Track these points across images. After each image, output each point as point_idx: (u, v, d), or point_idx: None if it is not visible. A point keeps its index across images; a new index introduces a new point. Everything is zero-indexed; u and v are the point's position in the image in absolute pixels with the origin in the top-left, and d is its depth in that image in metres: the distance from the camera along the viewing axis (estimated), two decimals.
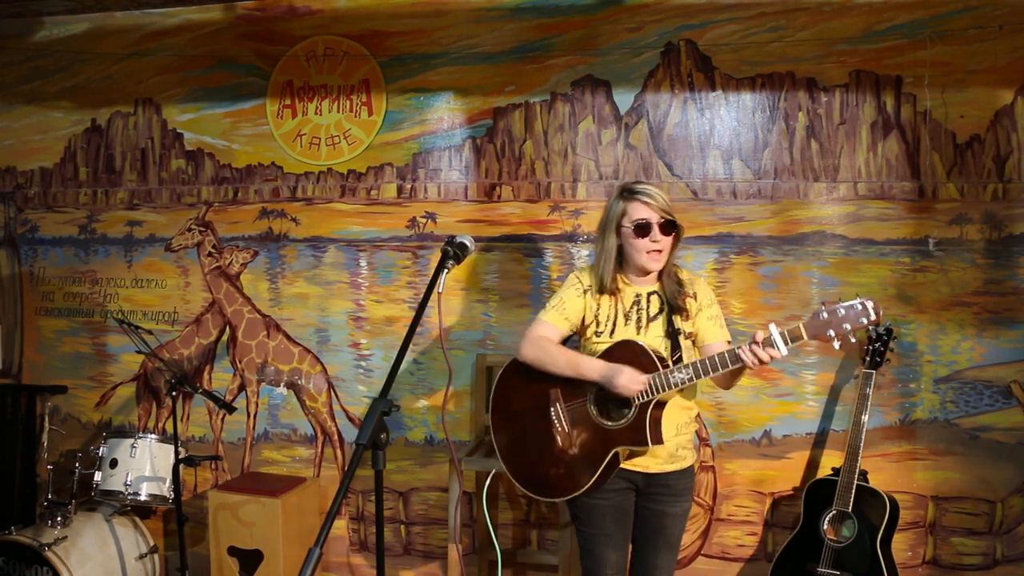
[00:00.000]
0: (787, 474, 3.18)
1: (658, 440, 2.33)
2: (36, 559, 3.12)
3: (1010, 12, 2.94)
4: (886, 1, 3.03)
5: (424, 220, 3.49)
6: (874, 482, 2.91)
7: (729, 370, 2.26)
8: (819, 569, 2.85)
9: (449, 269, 2.20)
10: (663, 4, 3.21)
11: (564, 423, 2.46)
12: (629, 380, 2.29)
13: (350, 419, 3.61)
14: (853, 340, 2.16)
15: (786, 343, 2.15)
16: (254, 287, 3.70)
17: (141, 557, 3.42)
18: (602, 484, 2.41)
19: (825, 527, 2.88)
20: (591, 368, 2.37)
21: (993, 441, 3.02)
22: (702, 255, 3.22)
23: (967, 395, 3.04)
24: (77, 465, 3.34)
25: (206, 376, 3.76)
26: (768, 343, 2.17)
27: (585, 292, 2.47)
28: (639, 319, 2.43)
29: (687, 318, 2.43)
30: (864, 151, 3.09)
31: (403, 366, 2.08)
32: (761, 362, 2.19)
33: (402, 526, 3.56)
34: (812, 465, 3.16)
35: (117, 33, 3.77)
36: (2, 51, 3.92)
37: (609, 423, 2.39)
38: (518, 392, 2.54)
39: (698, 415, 3.19)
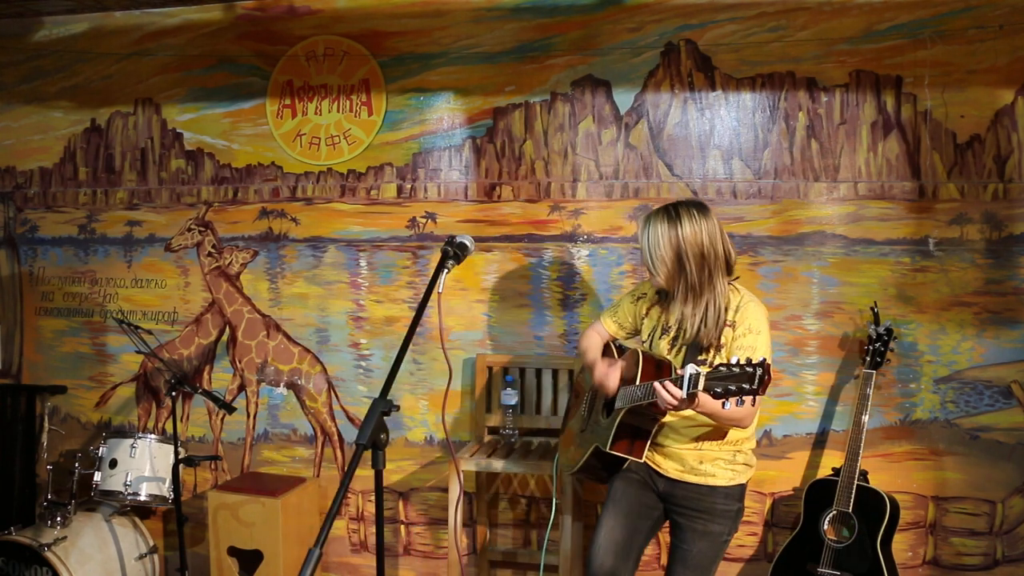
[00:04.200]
0: (787, 474, 3.18)
1: (627, 451, 2.35)
2: (36, 559, 3.11)
3: (1010, 12, 2.94)
4: (886, 1, 3.03)
5: (424, 220, 3.49)
6: (874, 482, 2.91)
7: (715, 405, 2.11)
8: (819, 569, 2.84)
9: (449, 269, 2.20)
10: (663, 4, 3.21)
11: (584, 408, 2.68)
12: (601, 376, 2.47)
13: (350, 419, 3.61)
14: (740, 405, 1.97)
15: (689, 387, 2.03)
16: (254, 287, 3.69)
17: (141, 557, 3.42)
18: (590, 475, 2.60)
19: (825, 527, 2.88)
20: (592, 369, 2.55)
21: (993, 441, 3.02)
22: None
23: (967, 395, 3.03)
24: (77, 465, 3.34)
25: (206, 376, 3.76)
26: (677, 382, 2.08)
27: (638, 299, 2.58)
28: (676, 337, 2.41)
29: (718, 348, 2.32)
30: (864, 151, 3.09)
31: (403, 366, 2.07)
32: (670, 399, 2.08)
33: (402, 526, 3.56)
34: (812, 465, 3.16)
35: (117, 33, 3.77)
36: (2, 51, 3.92)
37: (601, 420, 2.49)
38: (582, 384, 2.80)
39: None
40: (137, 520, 3.53)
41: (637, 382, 2.29)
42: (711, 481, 2.40)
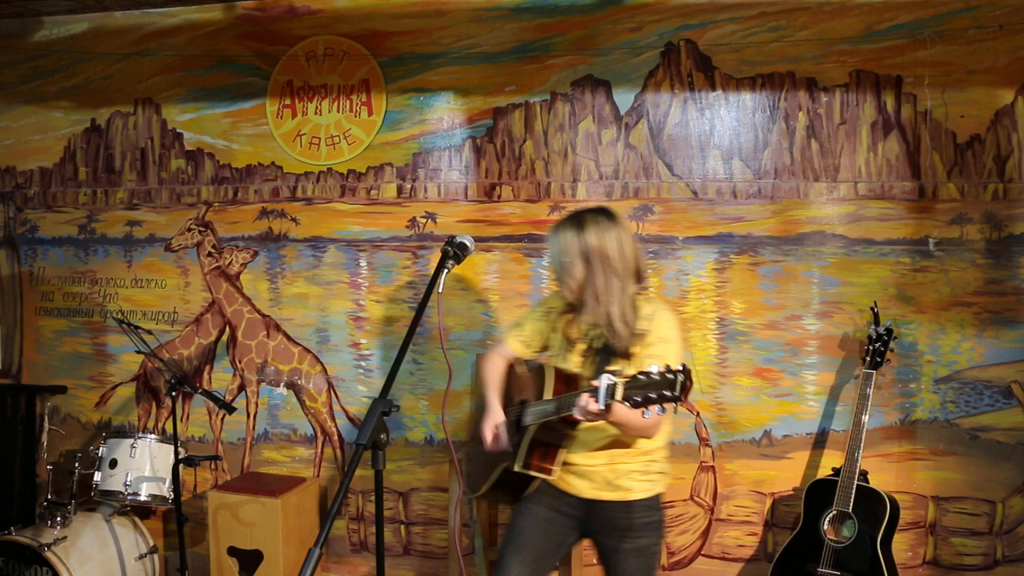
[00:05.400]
0: (787, 474, 3.18)
1: (537, 470, 2.25)
2: (36, 559, 3.12)
3: (1010, 12, 2.94)
4: (886, 1, 3.03)
5: (424, 220, 3.49)
6: (874, 482, 2.91)
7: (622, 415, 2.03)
8: (819, 569, 2.84)
9: (449, 269, 2.20)
10: (663, 4, 3.21)
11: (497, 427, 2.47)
12: (486, 429, 2.38)
13: (350, 419, 3.61)
14: (659, 411, 1.89)
15: (606, 397, 1.97)
16: (254, 287, 3.69)
17: (141, 557, 3.42)
18: (500, 496, 2.43)
19: (825, 527, 2.88)
20: (488, 402, 2.46)
21: (993, 441, 3.02)
22: (702, 255, 3.22)
23: (967, 395, 3.04)
24: (77, 465, 3.34)
25: (206, 376, 3.76)
26: (593, 393, 2.01)
27: (547, 313, 2.46)
28: (587, 348, 2.34)
29: (629, 358, 2.25)
30: (864, 151, 3.09)
31: (403, 366, 2.07)
32: (586, 411, 2.02)
33: (402, 526, 3.56)
34: (812, 465, 3.16)
35: (117, 33, 3.77)
36: (2, 51, 3.92)
37: (513, 438, 2.35)
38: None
39: (698, 414, 3.19)
40: (137, 520, 3.53)
41: (547, 397, 2.22)
42: (628, 496, 2.32)
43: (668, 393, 1.87)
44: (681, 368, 1.88)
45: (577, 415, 2.04)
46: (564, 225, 2.32)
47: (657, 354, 2.21)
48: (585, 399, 2.01)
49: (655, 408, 1.89)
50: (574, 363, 2.34)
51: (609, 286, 2.25)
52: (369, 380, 3.59)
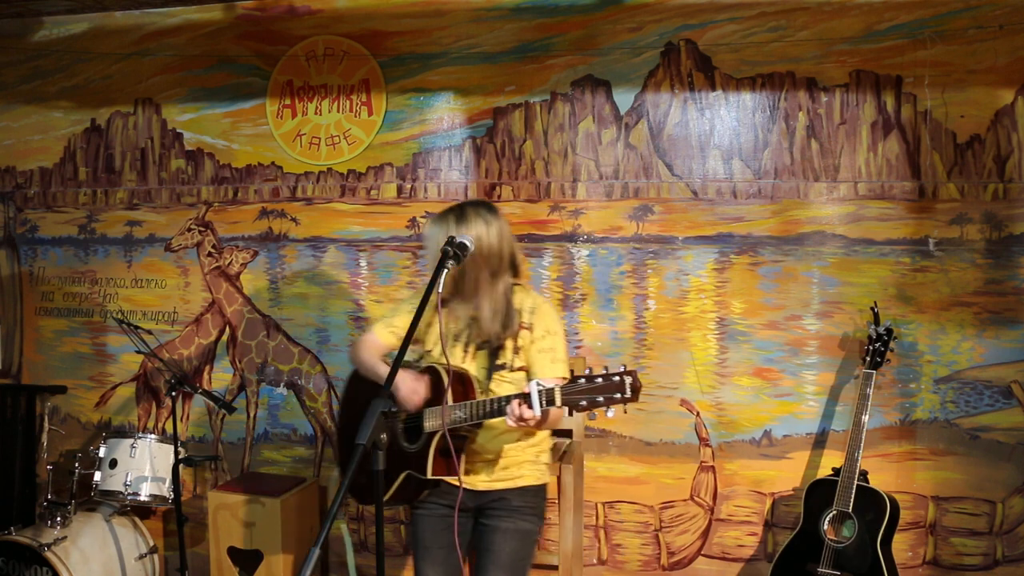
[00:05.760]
0: (787, 474, 3.18)
1: (447, 472, 2.22)
2: (36, 559, 3.12)
3: (1010, 12, 2.94)
4: (886, 1, 3.03)
5: (424, 220, 3.49)
6: (874, 482, 2.90)
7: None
8: (819, 569, 2.84)
9: (449, 269, 2.19)
10: (663, 4, 3.21)
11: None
12: (408, 392, 2.23)
13: None
14: (610, 414, 1.94)
15: (541, 404, 2.00)
16: (254, 287, 3.69)
17: (141, 557, 3.42)
18: (405, 502, 2.39)
19: (825, 527, 2.87)
20: (384, 374, 2.28)
21: (993, 441, 3.02)
22: (702, 255, 3.22)
23: (967, 395, 3.03)
24: (77, 465, 3.34)
25: (206, 376, 3.76)
26: (527, 401, 2.02)
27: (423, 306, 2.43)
28: (467, 343, 2.32)
29: (516, 351, 2.28)
30: (864, 151, 3.09)
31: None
32: (521, 419, 2.02)
33: (402, 526, 3.56)
34: (812, 465, 3.16)
35: (117, 33, 3.77)
36: (2, 51, 3.92)
37: (407, 445, 2.30)
38: (358, 394, 2.47)
39: (698, 414, 3.19)
40: (137, 520, 3.53)
41: (451, 401, 2.19)
42: (520, 483, 2.33)
43: (618, 395, 1.93)
44: (623, 368, 1.95)
45: (510, 423, 2.06)
46: (445, 216, 2.31)
47: (547, 347, 2.27)
48: (517, 407, 2.03)
49: (602, 410, 1.95)
50: (458, 357, 2.32)
51: (481, 279, 2.27)
52: None
